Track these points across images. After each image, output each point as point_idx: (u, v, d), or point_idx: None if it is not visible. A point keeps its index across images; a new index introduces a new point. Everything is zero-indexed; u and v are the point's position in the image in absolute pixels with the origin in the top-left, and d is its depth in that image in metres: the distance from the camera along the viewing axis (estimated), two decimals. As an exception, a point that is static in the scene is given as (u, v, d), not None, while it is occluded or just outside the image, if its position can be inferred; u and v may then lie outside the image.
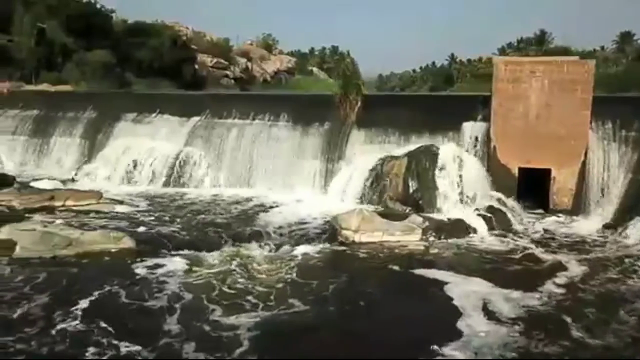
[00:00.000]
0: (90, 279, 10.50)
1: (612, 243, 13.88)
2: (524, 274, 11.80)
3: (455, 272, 11.56)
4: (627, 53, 65.17)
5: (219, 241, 13.10)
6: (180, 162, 19.59)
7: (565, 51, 44.20)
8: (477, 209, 15.34)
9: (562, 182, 16.29)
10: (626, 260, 12.50)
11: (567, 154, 16.09)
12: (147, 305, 9.46)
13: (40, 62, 38.85)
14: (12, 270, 10.68)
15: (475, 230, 14.47)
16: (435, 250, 13.16)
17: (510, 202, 16.04)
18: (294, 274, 11.15)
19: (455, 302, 9.89)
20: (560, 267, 11.99)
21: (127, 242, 12.40)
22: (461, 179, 15.86)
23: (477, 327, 8.87)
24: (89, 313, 8.94)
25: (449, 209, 15.38)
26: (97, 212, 15.40)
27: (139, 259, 11.76)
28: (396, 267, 11.91)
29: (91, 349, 7.79)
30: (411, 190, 15.87)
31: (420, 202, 15.61)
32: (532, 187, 16.55)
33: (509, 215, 15.44)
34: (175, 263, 11.56)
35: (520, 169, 16.58)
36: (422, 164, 16.01)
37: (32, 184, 18.48)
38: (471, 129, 17.35)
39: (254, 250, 12.66)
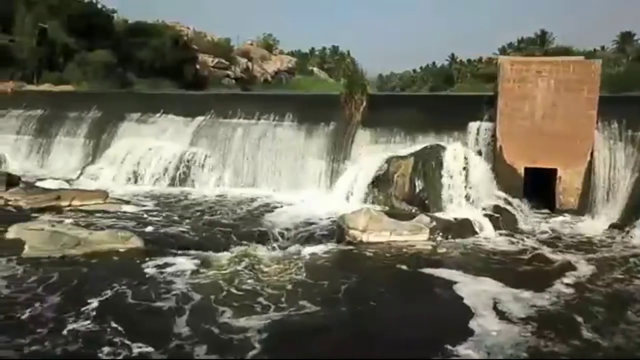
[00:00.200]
0: (100, 279, 10.48)
1: (619, 243, 13.87)
2: (533, 273, 11.80)
3: (464, 271, 11.54)
4: (628, 53, 65.15)
5: (226, 241, 13.07)
6: (185, 162, 19.59)
7: (566, 51, 44.19)
8: (483, 209, 15.34)
9: (568, 182, 16.30)
10: (633, 260, 12.49)
11: (573, 153, 16.10)
12: (156, 305, 9.43)
13: (41, 62, 38.78)
14: (25, 270, 10.66)
15: (482, 230, 14.48)
16: (443, 250, 13.17)
17: (517, 202, 16.06)
18: (303, 275, 11.11)
19: (465, 302, 9.88)
20: (568, 267, 11.97)
21: (135, 242, 12.39)
22: (467, 178, 15.86)
23: (489, 326, 8.86)
24: (100, 313, 8.92)
25: (455, 208, 15.38)
26: (104, 211, 15.40)
27: (147, 259, 11.74)
28: (405, 267, 11.90)
29: (103, 350, 7.75)
30: (417, 190, 15.88)
31: (427, 201, 15.62)
32: (538, 187, 16.56)
33: (516, 215, 15.46)
34: (184, 263, 11.53)
35: (526, 169, 16.59)
36: (429, 164, 16.01)
37: (38, 183, 18.48)
38: (477, 128, 17.35)
39: (262, 250, 12.63)
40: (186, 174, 19.46)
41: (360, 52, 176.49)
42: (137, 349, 7.83)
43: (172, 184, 19.31)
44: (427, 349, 8.04)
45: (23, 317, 8.69)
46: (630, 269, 11.93)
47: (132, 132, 21.63)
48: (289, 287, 10.45)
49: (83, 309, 9.05)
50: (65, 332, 8.24)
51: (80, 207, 15.63)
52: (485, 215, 15.06)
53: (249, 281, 10.66)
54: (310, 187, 18.23)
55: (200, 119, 21.04)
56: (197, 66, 54.06)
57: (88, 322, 8.62)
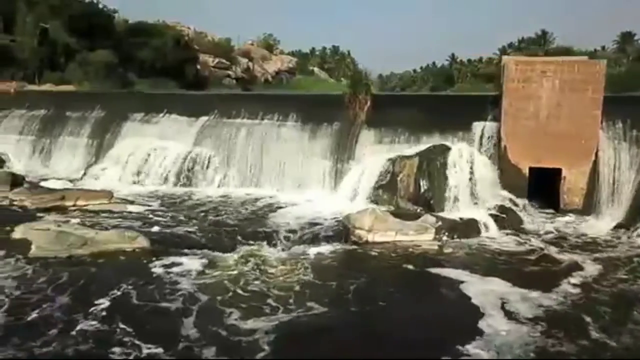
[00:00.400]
0: (108, 279, 10.51)
1: (624, 243, 13.90)
2: (539, 273, 11.83)
3: (470, 271, 11.59)
4: (628, 53, 65.16)
5: (232, 241, 13.06)
6: (189, 162, 19.60)
7: (567, 51, 44.17)
8: (488, 209, 15.37)
9: (573, 182, 16.33)
10: (638, 260, 12.52)
11: (577, 153, 16.13)
12: (164, 306, 9.44)
13: (43, 62, 38.74)
14: (33, 270, 10.67)
15: (487, 230, 14.54)
16: (449, 250, 13.18)
17: (521, 201, 16.11)
18: (310, 275, 11.12)
19: (474, 301, 9.93)
20: (574, 267, 12.01)
21: (142, 242, 12.40)
22: (472, 178, 15.90)
23: (498, 326, 8.91)
24: (109, 313, 8.95)
25: (460, 208, 15.42)
26: (109, 211, 15.41)
27: (154, 259, 11.78)
28: (412, 267, 11.93)
29: (113, 351, 7.79)
30: (422, 190, 15.90)
31: (432, 201, 15.64)
32: (542, 187, 16.59)
33: (520, 215, 15.50)
34: (190, 263, 11.55)
35: (530, 169, 16.60)
36: (434, 164, 16.05)
37: (41, 184, 18.51)
38: (481, 128, 17.35)
39: (268, 250, 12.66)
40: (190, 174, 19.46)
41: (360, 52, 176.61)
42: (146, 350, 7.85)
43: (176, 184, 19.31)
44: (437, 349, 8.05)
45: (33, 317, 8.72)
46: (635, 269, 11.95)
47: (135, 132, 21.63)
48: (296, 287, 10.46)
49: (92, 309, 9.08)
50: (74, 332, 8.27)
51: (85, 207, 15.64)
52: (491, 215, 15.09)
53: (256, 282, 10.67)
54: (315, 187, 18.22)
55: (204, 119, 21.03)
56: (198, 66, 53.98)
57: (97, 322, 8.66)
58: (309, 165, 18.76)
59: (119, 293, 9.84)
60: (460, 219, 14.65)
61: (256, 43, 75.19)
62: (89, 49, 40.44)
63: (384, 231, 13.60)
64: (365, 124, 18.79)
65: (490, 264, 12.32)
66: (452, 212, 15.17)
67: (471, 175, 15.98)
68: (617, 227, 14.97)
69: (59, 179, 19.61)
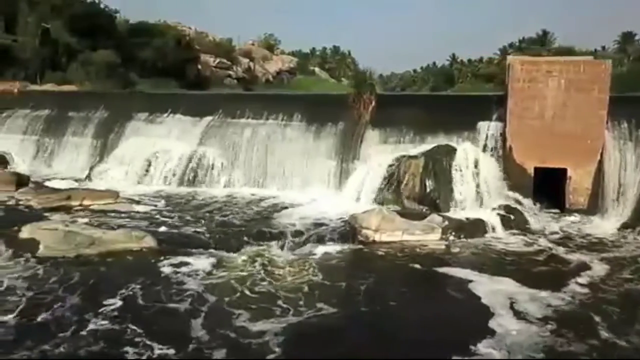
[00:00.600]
0: (116, 278, 10.53)
1: (630, 243, 13.91)
2: (547, 273, 11.84)
3: (478, 271, 11.58)
4: (629, 53, 65.28)
5: (239, 241, 13.00)
6: (194, 162, 19.56)
7: (569, 51, 44.25)
8: (494, 209, 15.39)
9: (578, 182, 16.34)
10: (645, 260, 12.52)
11: (583, 153, 16.14)
12: (173, 307, 9.41)
13: (44, 62, 38.73)
14: (43, 270, 10.68)
15: (493, 230, 14.56)
16: (456, 250, 13.20)
17: (527, 201, 16.12)
18: (318, 275, 11.10)
19: (483, 301, 9.94)
20: (581, 267, 12.03)
21: (149, 242, 12.41)
22: (478, 178, 15.94)
23: (508, 325, 8.91)
24: (119, 314, 8.96)
25: (466, 208, 15.45)
26: (115, 211, 15.38)
27: (161, 258, 11.79)
28: (420, 267, 11.94)
29: (124, 352, 7.78)
30: (428, 190, 15.91)
31: (438, 201, 15.65)
32: (547, 187, 16.58)
33: (526, 215, 15.50)
34: (198, 263, 11.57)
35: (536, 169, 16.61)
36: (439, 164, 16.06)
37: (46, 183, 18.48)
38: (486, 128, 17.35)
39: (275, 250, 12.65)
40: (195, 174, 19.42)
41: (360, 52, 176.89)
42: (158, 350, 7.82)
43: (180, 184, 19.27)
44: (450, 348, 8.04)
45: (46, 317, 8.72)
46: (643, 269, 11.95)
47: (139, 132, 21.59)
48: (305, 288, 10.44)
49: (102, 309, 9.08)
50: (86, 332, 8.26)
51: (91, 207, 15.63)
52: (497, 215, 15.10)
53: (264, 282, 10.66)
54: (320, 187, 18.19)
55: (208, 119, 21.00)
56: (199, 66, 54.02)
57: (108, 322, 8.65)
58: (314, 165, 18.74)
59: (128, 293, 9.84)
60: (467, 218, 14.67)
61: (257, 43, 75.24)
62: (91, 49, 40.44)
63: (391, 231, 13.61)
64: (370, 123, 18.77)
65: (498, 264, 12.33)
66: (458, 212, 15.18)
67: (477, 175, 16.01)
68: (623, 227, 14.99)
69: (63, 178, 19.59)
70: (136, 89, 35.99)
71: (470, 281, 10.98)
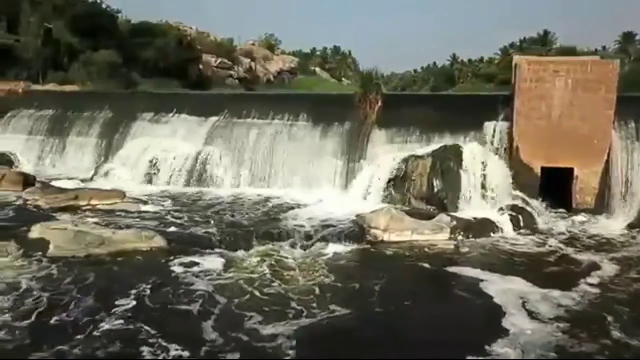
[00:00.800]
0: (128, 278, 10.54)
1: (639, 243, 13.94)
2: (557, 272, 11.87)
3: (488, 270, 11.60)
4: (630, 53, 65.30)
5: (247, 241, 12.97)
6: (200, 161, 19.56)
7: (572, 51, 44.24)
8: (501, 209, 15.42)
9: (585, 182, 16.35)
10: (652, 259, 12.53)
11: (590, 153, 16.15)
12: (185, 308, 9.39)
13: (46, 62, 38.72)
14: (55, 270, 10.69)
15: (501, 230, 14.58)
16: (465, 249, 13.21)
17: (534, 201, 16.15)
18: (328, 276, 11.08)
19: (495, 300, 9.96)
20: (591, 266, 12.07)
21: (159, 241, 12.41)
22: (485, 178, 15.95)
23: (521, 325, 8.93)
24: (132, 314, 8.96)
25: (473, 208, 15.46)
26: (122, 211, 15.38)
27: (171, 258, 11.81)
28: (430, 266, 11.96)
29: (139, 353, 7.80)
30: (435, 190, 15.93)
31: (445, 201, 15.66)
32: (554, 186, 16.59)
33: (534, 214, 15.52)
34: (208, 263, 11.59)
35: (542, 168, 16.62)
36: (447, 164, 16.08)
37: (52, 183, 18.45)
38: (493, 128, 17.34)
39: (284, 250, 12.63)
40: (201, 174, 19.42)
41: (361, 52, 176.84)
42: (173, 352, 7.81)
43: (186, 184, 19.28)
44: (465, 348, 8.04)
45: (61, 318, 8.73)
46: (652, 269, 11.96)
47: (145, 131, 21.58)
48: (316, 288, 10.42)
49: (115, 309, 9.10)
50: (99, 333, 8.26)
51: (98, 207, 15.62)
52: (504, 214, 15.13)
53: (275, 283, 10.62)
54: (326, 187, 18.17)
55: (214, 119, 20.99)
56: (201, 66, 54.00)
57: (122, 322, 8.66)
58: (320, 165, 18.73)
59: (140, 293, 9.84)
60: (474, 218, 14.69)
61: (257, 43, 75.23)
62: (93, 49, 40.41)
63: (400, 231, 13.62)
64: (376, 123, 18.76)
65: (507, 263, 12.36)
66: (466, 212, 15.20)
67: (484, 175, 16.03)
68: (630, 226, 15.04)
69: (69, 178, 19.57)
70: (138, 89, 35.97)
71: (481, 280, 11.01)
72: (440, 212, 14.82)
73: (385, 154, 17.65)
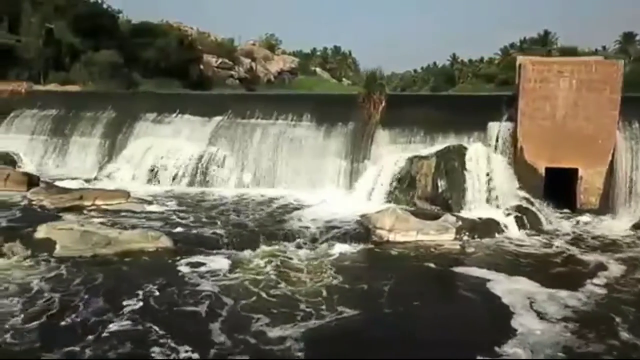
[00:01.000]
0: (135, 279, 10.57)
1: (644, 243, 13.96)
2: (563, 273, 11.89)
3: (495, 270, 11.64)
4: (630, 53, 65.27)
5: (253, 242, 12.97)
6: (204, 162, 19.58)
7: (573, 51, 44.25)
8: (506, 209, 15.43)
9: (590, 182, 16.38)
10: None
11: (594, 153, 16.18)
12: (192, 309, 9.40)
13: (47, 62, 38.69)
14: (62, 270, 10.70)
15: (506, 230, 14.61)
16: (471, 250, 13.24)
17: (538, 201, 16.16)
18: (335, 276, 11.08)
19: (503, 301, 9.98)
20: (597, 267, 12.09)
21: (165, 242, 12.42)
22: (490, 179, 15.97)
23: (530, 325, 8.96)
24: (141, 315, 8.97)
25: (478, 208, 15.48)
26: (127, 211, 15.38)
27: (178, 258, 11.84)
28: (437, 267, 11.98)
29: (149, 354, 7.80)
30: (440, 190, 15.93)
31: (450, 201, 15.67)
32: (558, 187, 16.61)
33: (538, 215, 15.52)
34: (214, 263, 11.61)
35: (547, 169, 16.63)
36: (451, 164, 16.12)
37: (57, 183, 18.41)
38: (497, 129, 17.37)
39: (290, 250, 12.65)
40: (205, 174, 19.44)
41: (361, 52, 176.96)
42: (183, 354, 7.80)
43: (191, 184, 19.30)
44: (475, 348, 8.06)
45: (72, 319, 8.74)
46: (659, 269, 11.98)
47: (148, 132, 21.60)
48: (324, 289, 10.40)
49: (124, 310, 9.12)
50: (110, 334, 8.27)
51: (103, 207, 15.62)
52: (509, 215, 15.13)
53: (282, 284, 10.61)
54: (330, 188, 18.19)
55: (217, 119, 20.99)
56: (201, 66, 53.95)
57: (131, 323, 8.68)
58: (324, 165, 18.76)
59: (148, 294, 9.85)
60: (480, 219, 14.71)
61: (258, 43, 75.16)
62: (94, 49, 40.39)
63: (405, 231, 13.63)
64: (380, 123, 18.77)
65: (513, 264, 12.38)
66: (471, 212, 15.22)
67: (488, 175, 16.06)
68: (635, 227, 15.09)
69: (72, 178, 19.52)
70: (139, 89, 35.95)
71: (488, 281, 11.03)
72: (445, 213, 14.82)
73: (390, 154, 17.67)
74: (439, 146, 17.11)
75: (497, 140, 17.20)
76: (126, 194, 16.37)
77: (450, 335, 8.77)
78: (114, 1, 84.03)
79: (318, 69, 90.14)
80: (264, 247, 12.71)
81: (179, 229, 13.74)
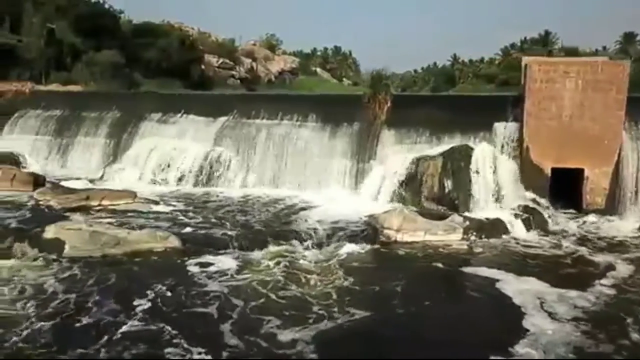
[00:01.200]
0: (146, 279, 10.59)
1: (651, 243, 13.98)
2: (572, 273, 11.92)
3: (504, 270, 11.66)
4: (630, 54, 65.22)
5: (261, 242, 12.99)
6: (209, 162, 19.58)
7: (575, 52, 44.27)
8: (512, 209, 15.45)
9: (596, 182, 16.39)
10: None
11: (600, 153, 16.19)
12: (203, 311, 9.42)
13: (49, 62, 38.68)
14: (73, 269, 10.71)
15: (513, 230, 14.62)
16: (479, 250, 13.26)
17: (544, 202, 16.21)
18: (344, 277, 11.09)
19: (514, 301, 10.00)
20: (606, 267, 12.12)
21: (173, 242, 12.43)
22: (496, 179, 15.98)
23: (542, 325, 8.99)
24: (152, 316, 9.00)
25: (484, 208, 15.48)
26: (134, 211, 15.39)
27: (186, 258, 11.86)
28: (446, 267, 12.01)
29: (161, 355, 7.82)
30: (447, 190, 15.94)
31: (456, 202, 15.67)
32: (563, 187, 16.63)
33: (545, 215, 15.55)
34: (223, 264, 11.63)
35: (553, 169, 16.64)
36: (457, 164, 16.11)
37: (62, 183, 18.40)
38: (503, 129, 17.39)
39: (298, 251, 12.67)
40: (211, 174, 19.45)
41: (361, 52, 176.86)
42: (196, 356, 7.81)
43: (196, 184, 19.30)
44: (488, 348, 8.09)
45: (85, 320, 8.76)
46: (666, 269, 12.00)
47: (153, 132, 21.60)
48: (333, 291, 10.38)
49: (136, 311, 9.16)
50: (122, 335, 8.29)
51: (110, 207, 15.62)
52: (515, 215, 15.16)
53: (291, 285, 10.60)
54: (336, 188, 18.19)
55: (222, 119, 21.00)
56: (203, 66, 53.95)
57: (143, 324, 8.72)
58: (330, 165, 18.75)
59: (159, 294, 9.88)
60: (487, 219, 14.72)
61: (259, 43, 75.15)
62: (95, 49, 40.38)
63: (413, 231, 13.65)
64: (385, 124, 18.77)
65: (522, 264, 12.39)
66: (477, 212, 15.22)
67: (495, 175, 16.06)
68: (642, 227, 15.07)
69: (77, 179, 19.52)
70: (141, 89, 35.95)
71: (497, 281, 11.06)
72: (452, 213, 14.83)
73: (395, 154, 17.67)
74: (445, 146, 17.10)
75: (503, 141, 17.21)
76: (133, 194, 16.36)
77: (464, 335, 8.78)
78: (115, 1, 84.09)
79: (318, 69, 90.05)
80: (271, 248, 12.71)
81: (186, 229, 13.74)
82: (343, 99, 24.45)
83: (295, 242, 13.16)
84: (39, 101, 25.67)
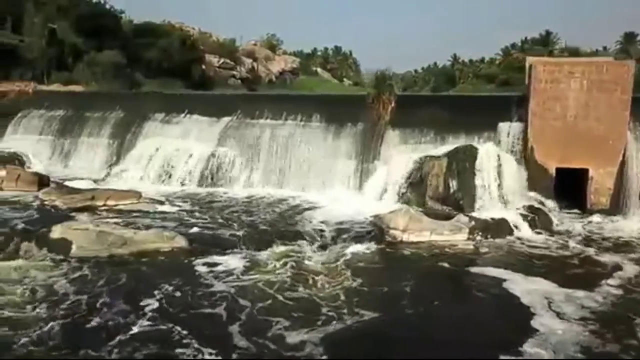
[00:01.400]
0: (153, 279, 10.59)
1: (656, 244, 14.00)
2: (579, 273, 11.93)
3: (511, 270, 11.65)
4: (631, 54, 65.25)
5: (267, 242, 12.99)
6: (213, 162, 19.59)
7: (576, 52, 44.29)
8: (517, 209, 15.48)
9: (600, 182, 16.41)
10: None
11: (605, 154, 16.21)
12: (210, 311, 9.41)
13: (51, 62, 38.69)
14: (82, 270, 10.72)
15: (518, 230, 14.63)
16: (485, 250, 13.26)
17: (549, 202, 16.24)
18: (351, 277, 11.07)
19: (522, 301, 10.01)
20: (612, 267, 12.12)
21: (180, 242, 12.43)
22: (501, 179, 15.99)
23: (551, 325, 8.99)
24: (161, 316, 9.00)
25: (489, 209, 15.49)
26: (140, 211, 15.38)
27: (193, 258, 11.86)
28: (453, 267, 12.01)
29: (171, 356, 7.81)
30: (452, 190, 15.95)
31: (461, 202, 15.69)
32: (568, 187, 16.66)
33: (550, 215, 15.58)
34: (230, 264, 11.63)
35: (557, 169, 16.66)
36: (462, 164, 16.13)
37: (66, 184, 18.41)
38: (507, 129, 17.41)
39: (305, 251, 12.64)
40: (215, 174, 19.46)
41: (361, 52, 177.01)
42: (207, 355, 7.81)
43: (200, 184, 19.32)
44: (498, 348, 8.09)
45: (95, 320, 8.76)
46: (673, 270, 12.00)
47: (157, 132, 21.63)
48: (341, 291, 10.36)
49: (144, 310, 9.18)
50: (131, 336, 8.29)
51: (115, 207, 15.62)
52: (520, 215, 15.18)
53: (298, 285, 10.59)
54: (340, 188, 18.19)
55: (226, 119, 21.01)
56: (204, 66, 53.96)
57: (152, 324, 8.72)
58: (334, 165, 18.76)
59: (167, 295, 9.88)
60: (492, 219, 14.71)
61: (259, 43, 75.21)
62: (97, 49, 40.39)
63: (419, 231, 13.65)
64: (390, 124, 18.79)
65: (528, 264, 12.39)
66: (482, 212, 15.23)
67: (499, 175, 16.07)
68: (647, 227, 15.07)
69: (81, 179, 19.51)
70: (142, 89, 35.96)
71: (504, 281, 11.06)
72: (457, 213, 14.84)
73: (400, 154, 17.67)
74: (449, 146, 17.10)
75: (507, 141, 17.24)
76: (138, 194, 16.37)
77: (473, 335, 8.79)
78: (116, 1, 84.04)
79: (319, 69, 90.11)
80: (277, 248, 12.71)
81: (192, 229, 13.71)
82: (347, 99, 24.47)
83: (301, 242, 13.15)
84: (42, 101, 25.71)
